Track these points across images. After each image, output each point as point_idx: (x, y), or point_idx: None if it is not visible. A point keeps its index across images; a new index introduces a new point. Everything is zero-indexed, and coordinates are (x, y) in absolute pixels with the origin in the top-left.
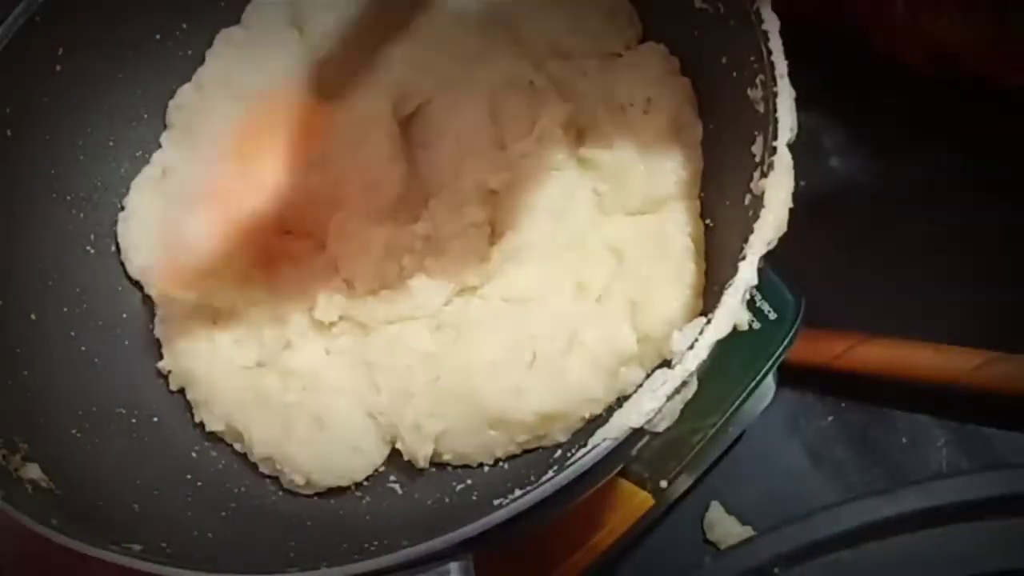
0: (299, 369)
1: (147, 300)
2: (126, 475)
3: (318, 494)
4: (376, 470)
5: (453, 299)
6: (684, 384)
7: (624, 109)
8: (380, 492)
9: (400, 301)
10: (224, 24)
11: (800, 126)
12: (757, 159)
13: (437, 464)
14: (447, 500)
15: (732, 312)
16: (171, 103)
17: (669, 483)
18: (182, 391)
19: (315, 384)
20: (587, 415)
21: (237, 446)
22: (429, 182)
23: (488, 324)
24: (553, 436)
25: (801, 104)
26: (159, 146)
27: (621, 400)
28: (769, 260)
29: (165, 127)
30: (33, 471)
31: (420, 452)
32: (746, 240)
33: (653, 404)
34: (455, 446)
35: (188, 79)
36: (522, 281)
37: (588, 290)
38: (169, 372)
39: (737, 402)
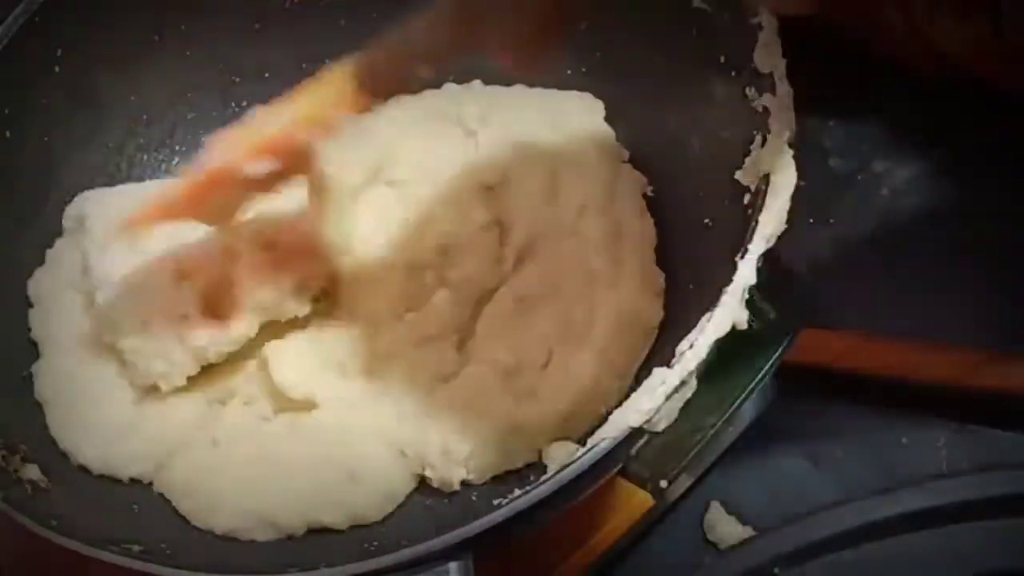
0: (324, 424)
1: None
2: None
3: None
4: None
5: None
6: (683, 383)
7: None
8: None
9: (428, 320)
10: (223, 26)
11: (800, 126)
12: (756, 157)
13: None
14: (447, 500)
15: (731, 311)
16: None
17: (669, 483)
18: None
19: (343, 438)
20: (604, 410)
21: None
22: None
23: (501, 328)
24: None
25: (801, 104)
26: (157, 149)
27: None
28: (769, 259)
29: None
30: (33, 472)
31: (454, 477)
32: (745, 239)
33: (652, 403)
34: (482, 464)
35: (187, 81)
36: (532, 277)
37: (598, 275)
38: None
39: (737, 402)
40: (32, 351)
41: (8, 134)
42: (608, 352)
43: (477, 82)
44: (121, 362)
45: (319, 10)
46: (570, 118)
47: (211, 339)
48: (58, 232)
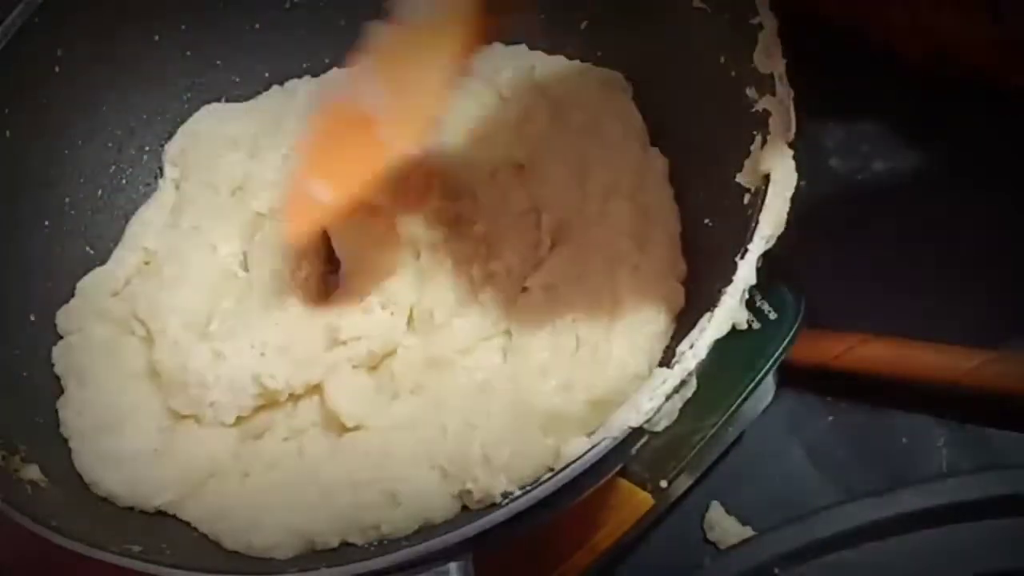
0: (367, 445)
1: None
2: None
3: None
4: None
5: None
6: (683, 383)
7: None
8: None
9: (478, 323)
10: (223, 26)
11: (800, 126)
12: (756, 157)
13: None
14: None
15: (731, 311)
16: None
17: (669, 483)
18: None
19: (385, 461)
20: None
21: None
22: (471, 184)
23: (533, 319)
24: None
25: (801, 104)
26: (157, 149)
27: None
28: (769, 259)
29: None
30: (33, 472)
31: (495, 488)
32: (745, 239)
33: (652, 403)
34: (522, 467)
35: (187, 80)
36: (562, 263)
37: (624, 259)
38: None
39: (737, 402)
40: (32, 353)
41: (8, 134)
42: (635, 336)
43: (523, 46)
44: (159, 385)
45: (319, 10)
46: (599, 95)
47: (288, 378)
48: (59, 233)
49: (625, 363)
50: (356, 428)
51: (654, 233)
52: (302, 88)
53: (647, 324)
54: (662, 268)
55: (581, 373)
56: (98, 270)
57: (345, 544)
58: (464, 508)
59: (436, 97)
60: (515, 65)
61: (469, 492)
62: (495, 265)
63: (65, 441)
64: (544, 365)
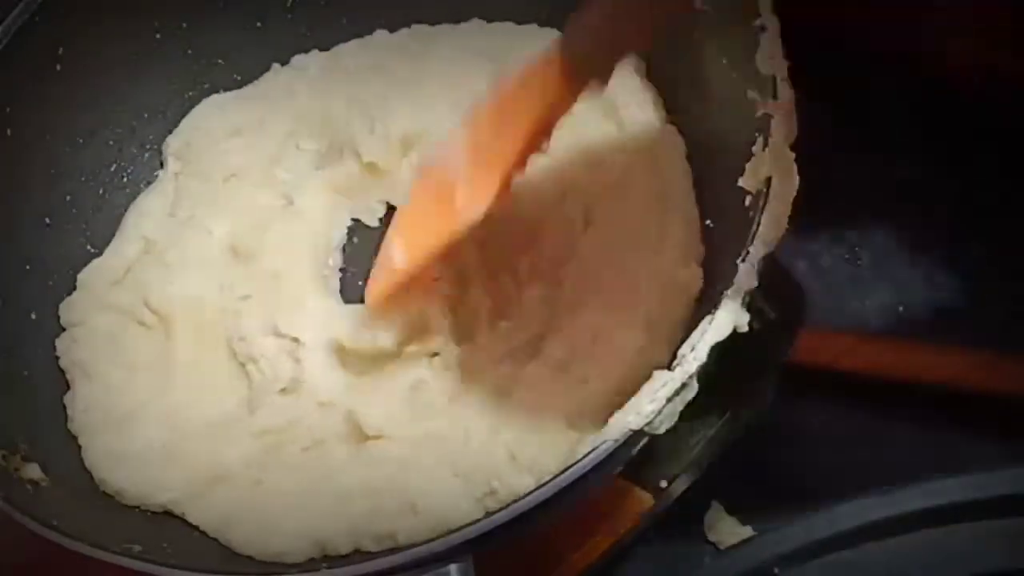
0: (389, 453)
1: None
2: None
3: None
4: None
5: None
6: (684, 386)
7: None
8: None
9: (522, 326)
10: (224, 24)
11: (800, 126)
12: (757, 160)
13: None
14: None
15: (732, 314)
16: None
17: (669, 483)
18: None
19: (407, 469)
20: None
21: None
22: None
23: (553, 310)
24: None
25: (801, 104)
26: (158, 147)
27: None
28: (769, 260)
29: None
30: (33, 471)
31: (521, 487)
32: (746, 241)
33: (653, 406)
34: (546, 465)
35: (188, 79)
36: (591, 246)
37: (642, 240)
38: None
39: (737, 403)
40: (33, 351)
41: (9, 133)
42: (652, 319)
43: (533, 25)
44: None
45: (320, 8)
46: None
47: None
48: (60, 231)
49: (643, 350)
50: (377, 437)
51: (671, 216)
52: (312, 63)
53: (665, 309)
54: (679, 251)
55: (599, 364)
56: (96, 261)
57: (357, 552)
58: (487, 514)
59: (513, 164)
60: (522, 46)
61: (494, 493)
62: (536, 257)
63: (68, 439)
64: (564, 360)
